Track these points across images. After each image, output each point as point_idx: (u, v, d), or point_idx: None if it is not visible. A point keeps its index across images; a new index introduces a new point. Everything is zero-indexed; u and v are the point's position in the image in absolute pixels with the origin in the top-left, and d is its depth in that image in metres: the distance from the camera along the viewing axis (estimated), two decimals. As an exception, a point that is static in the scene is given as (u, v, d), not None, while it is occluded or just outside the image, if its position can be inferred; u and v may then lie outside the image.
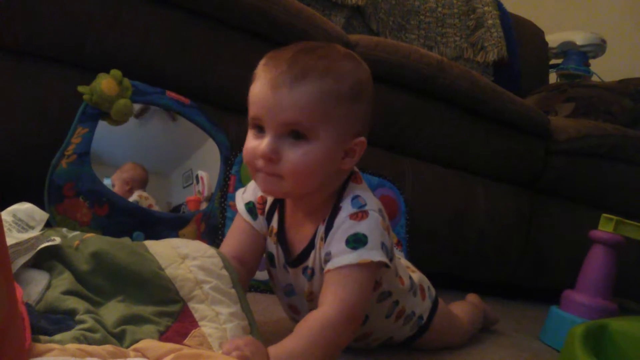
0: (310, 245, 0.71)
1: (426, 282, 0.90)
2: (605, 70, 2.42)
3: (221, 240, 1.07)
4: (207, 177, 1.09)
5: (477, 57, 2.05)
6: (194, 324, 0.60)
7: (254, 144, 0.66)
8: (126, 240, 0.69)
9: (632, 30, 2.68)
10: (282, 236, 0.75)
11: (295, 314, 0.80)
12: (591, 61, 2.44)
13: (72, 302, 0.57)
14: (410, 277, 0.84)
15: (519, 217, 1.62)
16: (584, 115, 1.89)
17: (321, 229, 0.70)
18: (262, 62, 0.68)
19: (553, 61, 2.52)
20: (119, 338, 0.55)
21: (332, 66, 0.65)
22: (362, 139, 0.68)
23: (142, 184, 1.04)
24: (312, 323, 0.64)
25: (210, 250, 0.70)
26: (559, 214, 1.68)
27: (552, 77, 2.52)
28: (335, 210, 0.69)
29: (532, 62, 2.31)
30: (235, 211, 1.09)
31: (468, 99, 1.47)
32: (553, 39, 2.46)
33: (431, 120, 1.46)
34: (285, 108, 0.63)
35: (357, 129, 0.68)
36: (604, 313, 1.10)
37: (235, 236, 0.78)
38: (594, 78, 2.42)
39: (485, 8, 2.10)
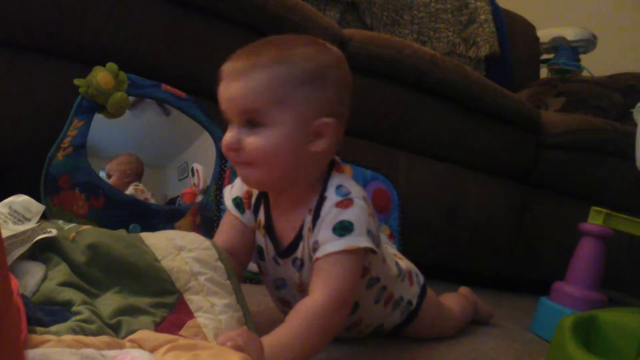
0: (299, 236, 0.72)
1: (414, 269, 0.91)
2: (596, 65, 2.44)
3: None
4: (203, 170, 1.09)
5: (470, 52, 2.06)
6: (189, 315, 0.61)
7: (225, 137, 0.68)
8: (122, 232, 0.70)
9: (622, 25, 2.70)
10: (269, 228, 0.76)
11: (286, 306, 0.80)
12: (582, 56, 2.46)
13: (68, 294, 0.57)
14: (398, 264, 0.85)
15: (511, 210, 1.63)
16: (575, 110, 1.90)
17: (308, 219, 0.71)
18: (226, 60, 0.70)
19: (544, 56, 2.53)
20: (115, 329, 0.55)
21: (285, 53, 0.67)
22: (328, 119, 0.68)
23: (139, 176, 1.04)
24: (302, 311, 0.65)
25: (206, 242, 0.71)
26: (549, 207, 1.70)
27: (543, 72, 2.53)
28: (321, 200, 0.70)
29: (523, 57, 2.32)
30: (230, 204, 1.10)
31: (460, 93, 1.48)
32: (544, 34, 2.47)
33: (424, 114, 1.47)
34: (237, 98, 0.66)
35: (322, 111, 0.68)
36: (593, 304, 1.11)
37: (225, 231, 0.79)
38: (585, 73, 2.43)
39: (478, 3, 2.10)
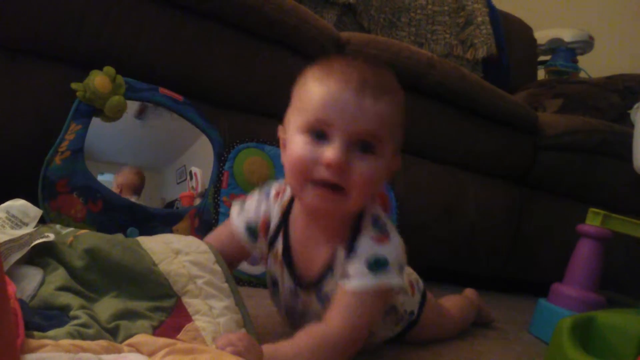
0: (328, 270, 0.68)
1: (414, 276, 0.90)
2: (593, 66, 2.44)
3: (214, 236, 1.07)
4: (201, 173, 1.09)
5: (467, 54, 2.06)
6: (187, 318, 0.61)
7: (310, 150, 0.61)
8: (119, 236, 0.70)
9: (619, 27, 2.71)
10: (288, 259, 0.72)
11: (293, 325, 0.77)
12: (579, 58, 2.46)
13: (66, 298, 0.57)
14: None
15: (509, 212, 1.63)
16: (572, 111, 1.90)
17: (341, 253, 0.67)
18: (323, 67, 0.65)
19: (541, 58, 2.53)
20: (113, 333, 0.55)
21: (399, 90, 0.66)
22: (399, 156, 0.69)
23: (135, 190, 1.03)
24: (314, 335, 0.63)
25: (202, 245, 0.71)
26: (547, 209, 1.70)
27: (541, 74, 2.54)
28: (356, 232, 0.67)
29: (520, 59, 2.33)
30: (228, 207, 1.10)
31: (458, 95, 1.48)
32: (541, 35, 2.48)
33: (421, 116, 1.47)
34: (368, 117, 0.60)
35: (399, 146, 0.68)
36: (592, 305, 1.11)
37: (217, 237, 0.76)
38: (582, 74, 2.44)
39: (475, 5, 2.11)
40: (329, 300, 0.69)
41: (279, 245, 0.72)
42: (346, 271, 0.66)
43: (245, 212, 0.75)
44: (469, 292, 1.17)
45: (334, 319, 0.64)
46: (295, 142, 0.63)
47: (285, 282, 0.73)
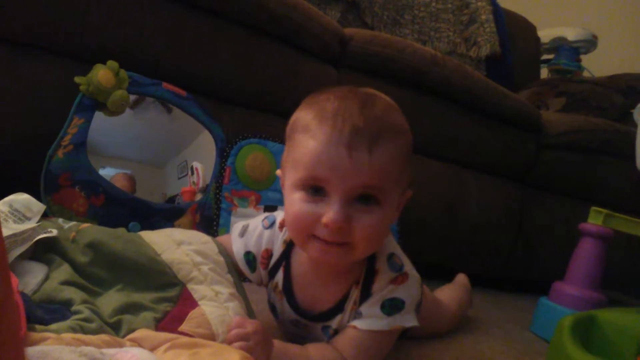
0: (338, 308, 0.66)
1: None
2: (597, 65, 2.44)
3: (216, 231, 1.08)
4: (202, 168, 1.09)
5: (470, 52, 2.06)
6: (193, 304, 0.60)
7: (309, 209, 0.57)
8: (121, 230, 0.70)
9: (623, 26, 2.70)
10: (289, 293, 0.69)
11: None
12: (582, 57, 2.46)
13: (69, 293, 0.57)
14: None
15: (510, 210, 1.63)
16: (575, 110, 1.90)
17: (355, 292, 0.65)
18: (310, 114, 0.59)
19: (545, 56, 2.53)
20: (115, 328, 0.55)
21: (398, 120, 0.60)
22: (410, 192, 0.64)
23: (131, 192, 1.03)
24: (326, 357, 0.62)
25: (205, 237, 0.71)
26: (549, 207, 1.70)
27: (544, 73, 2.54)
28: (372, 273, 0.64)
29: (524, 57, 2.32)
30: (230, 202, 1.10)
31: (461, 93, 1.48)
32: (545, 34, 2.47)
33: (424, 113, 1.46)
34: (363, 172, 0.55)
35: (408, 181, 0.63)
36: (593, 304, 1.11)
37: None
38: (585, 73, 2.43)
39: (479, 3, 2.10)
40: (335, 333, 0.68)
41: (280, 278, 0.70)
42: (359, 311, 0.64)
43: (247, 237, 0.71)
44: (461, 278, 1.16)
45: (346, 352, 0.63)
46: (292, 200, 0.59)
47: (286, 312, 0.71)
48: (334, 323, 0.67)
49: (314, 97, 0.61)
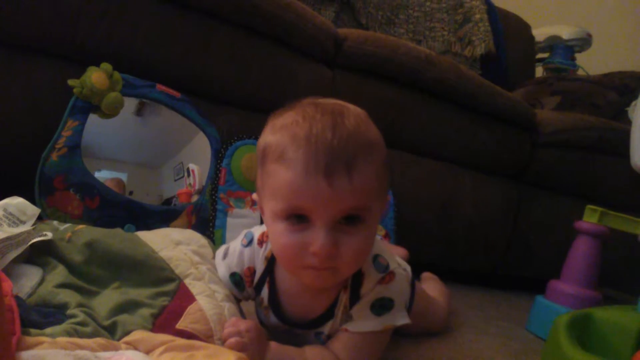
0: (328, 315, 0.66)
1: (403, 265, 0.86)
2: (591, 64, 2.44)
3: (212, 233, 1.08)
4: (198, 170, 1.09)
5: (465, 51, 2.06)
6: (191, 299, 0.60)
7: (296, 239, 0.56)
8: (118, 230, 0.70)
9: (617, 24, 2.71)
10: (276, 306, 0.69)
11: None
12: (577, 55, 2.46)
13: (64, 296, 0.57)
14: None
15: (506, 209, 1.64)
16: (570, 108, 1.91)
17: (344, 297, 0.65)
18: (282, 141, 0.56)
19: (539, 55, 2.53)
20: (110, 331, 0.55)
21: (370, 135, 0.58)
22: (389, 197, 0.64)
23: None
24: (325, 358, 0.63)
25: (202, 239, 0.71)
26: (545, 206, 1.70)
27: (539, 71, 2.54)
28: (358, 276, 0.64)
29: (518, 56, 2.33)
30: (226, 204, 1.10)
31: (456, 92, 1.48)
32: (539, 33, 2.48)
33: (419, 113, 1.47)
34: (346, 197, 0.54)
35: (387, 188, 0.63)
36: (589, 302, 1.12)
37: None
38: (580, 72, 2.44)
39: (473, 2, 2.10)
40: (328, 339, 0.68)
41: (265, 294, 0.69)
42: (349, 314, 0.64)
43: (229, 259, 0.71)
44: (428, 274, 1.16)
45: (343, 355, 0.63)
46: (277, 231, 0.58)
47: (275, 325, 0.70)
48: (326, 329, 0.67)
49: (281, 119, 0.59)
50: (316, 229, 0.55)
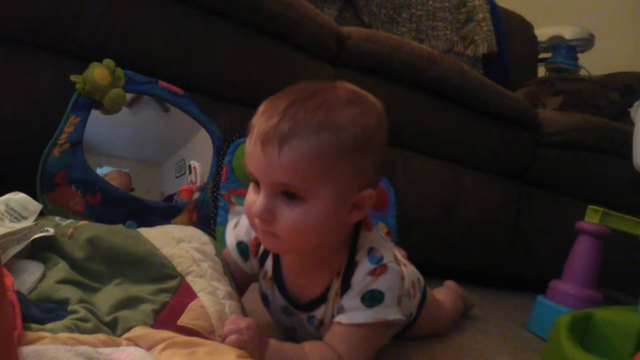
0: (322, 299, 0.67)
1: (416, 275, 0.88)
2: (594, 64, 2.44)
3: (213, 230, 1.08)
4: (200, 167, 1.09)
5: (467, 50, 2.06)
6: (192, 295, 0.60)
7: (252, 198, 0.61)
8: (120, 226, 0.70)
9: (619, 25, 2.71)
10: (279, 281, 0.70)
11: (288, 336, 0.77)
12: (579, 55, 2.46)
13: (65, 292, 0.57)
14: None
15: (507, 208, 1.64)
16: (572, 109, 1.90)
17: (336, 283, 0.66)
18: (259, 111, 0.61)
19: (542, 55, 2.53)
20: (111, 327, 0.55)
21: (329, 117, 0.57)
22: (371, 192, 0.61)
23: (129, 189, 1.04)
24: (324, 355, 0.63)
25: (204, 237, 0.71)
26: (546, 205, 1.70)
27: (541, 71, 2.54)
28: (351, 265, 0.65)
29: (521, 56, 2.33)
30: (227, 201, 1.10)
31: (458, 91, 1.48)
32: (542, 33, 2.48)
33: (421, 112, 1.47)
34: (275, 169, 0.57)
35: (364, 180, 0.61)
36: (590, 303, 1.12)
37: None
38: (582, 72, 2.44)
39: (476, 2, 2.10)
40: (321, 325, 0.69)
41: (269, 266, 0.71)
42: (341, 305, 0.65)
43: (239, 229, 0.73)
44: (450, 283, 1.17)
45: (340, 350, 0.64)
46: (249, 187, 0.63)
47: (277, 300, 0.72)
48: (319, 313, 0.68)
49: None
50: (261, 193, 0.59)
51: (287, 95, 0.60)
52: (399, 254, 0.94)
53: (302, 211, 0.58)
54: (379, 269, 0.64)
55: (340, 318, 0.65)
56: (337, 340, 0.64)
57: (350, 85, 0.65)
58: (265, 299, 0.74)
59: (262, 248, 0.72)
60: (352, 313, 0.64)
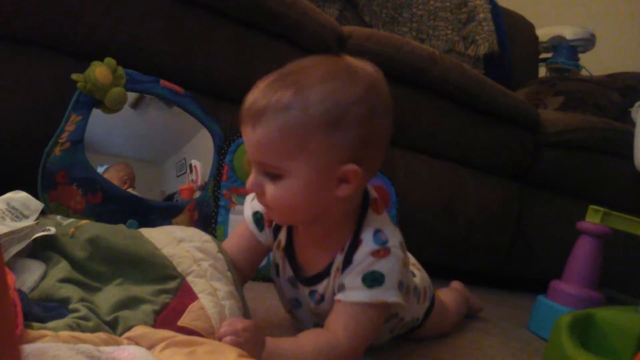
0: (325, 273, 0.69)
1: (427, 282, 0.88)
2: (595, 64, 2.44)
3: (214, 229, 1.08)
4: (201, 166, 1.09)
5: (469, 50, 2.06)
6: (193, 297, 0.60)
7: (248, 179, 0.66)
8: (121, 226, 0.70)
9: (621, 25, 2.70)
10: (290, 252, 0.73)
11: (299, 323, 0.79)
12: (581, 55, 2.46)
13: (67, 290, 0.57)
14: (415, 287, 0.82)
15: (508, 208, 1.64)
16: (573, 109, 1.90)
17: (339, 258, 0.67)
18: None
19: (543, 55, 2.53)
20: (112, 326, 0.55)
21: (299, 95, 0.59)
22: (352, 166, 0.61)
23: (133, 181, 1.04)
24: (320, 341, 0.63)
25: (205, 235, 0.71)
26: (547, 206, 1.70)
27: (542, 71, 2.54)
28: (355, 242, 0.66)
29: (522, 56, 2.33)
30: (228, 200, 1.10)
31: (459, 91, 1.48)
32: (543, 33, 2.47)
33: (422, 112, 1.46)
34: (252, 147, 0.62)
35: (344, 155, 0.61)
36: (590, 303, 1.12)
37: (235, 241, 0.76)
38: (583, 72, 2.43)
39: (477, 2, 2.10)
40: (323, 300, 0.70)
41: (283, 235, 0.74)
42: (342, 282, 0.66)
43: (256, 201, 0.74)
44: (456, 284, 1.17)
45: (338, 330, 0.64)
46: None
47: (287, 271, 0.74)
48: (321, 287, 0.70)
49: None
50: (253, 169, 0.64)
51: (273, 74, 0.63)
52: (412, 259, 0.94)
53: (282, 187, 0.61)
54: (383, 251, 0.65)
55: (340, 295, 0.66)
56: (336, 320, 0.65)
57: (347, 59, 0.65)
58: (276, 269, 0.76)
59: None
60: (352, 291, 0.65)
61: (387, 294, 0.64)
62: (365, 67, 0.65)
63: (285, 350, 0.61)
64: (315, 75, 0.61)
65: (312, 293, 0.71)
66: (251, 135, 0.61)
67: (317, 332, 0.65)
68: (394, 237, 0.67)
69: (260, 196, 0.64)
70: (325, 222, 0.67)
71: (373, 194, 0.71)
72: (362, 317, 0.65)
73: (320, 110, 0.59)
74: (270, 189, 0.62)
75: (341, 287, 0.66)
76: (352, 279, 0.65)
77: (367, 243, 0.66)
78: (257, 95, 0.61)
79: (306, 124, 0.59)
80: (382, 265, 0.64)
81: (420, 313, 0.86)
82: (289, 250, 0.73)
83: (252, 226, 0.75)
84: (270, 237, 0.75)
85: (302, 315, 0.77)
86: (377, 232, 0.67)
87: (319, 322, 0.71)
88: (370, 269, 0.64)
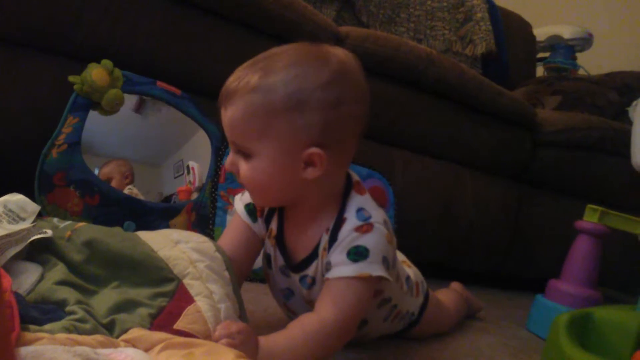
0: (313, 254, 0.71)
1: (420, 277, 0.90)
2: (592, 63, 2.44)
3: (212, 230, 1.08)
4: (198, 167, 1.09)
5: (466, 50, 2.06)
6: (189, 299, 0.60)
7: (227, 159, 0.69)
8: (117, 229, 0.69)
9: (618, 24, 2.71)
10: (280, 240, 0.74)
11: (294, 315, 0.79)
12: (578, 55, 2.46)
13: (63, 293, 0.57)
14: (408, 277, 0.84)
15: (507, 208, 1.64)
16: (571, 108, 1.90)
17: (325, 238, 0.69)
18: None
19: (540, 54, 2.53)
20: (109, 328, 0.55)
21: (262, 79, 0.62)
22: (315, 150, 0.62)
23: (133, 177, 1.04)
24: (307, 325, 0.64)
25: (202, 237, 0.70)
26: (545, 205, 1.70)
27: (540, 71, 2.54)
28: (340, 221, 0.68)
29: (519, 56, 2.33)
30: (225, 201, 1.10)
31: (456, 91, 1.48)
32: (541, 32, 2.48)
33: (420, 112, 1.46)
34: (226, 128, 0.66)
35: (308, 139, 0.62)
36: (589, 302, 1.12)
37: (230, 235, 0.77)
38: (581, 71, 2.44)
39: (474, 1, 2.10)
40: (314, 284, 0.71)
41: (274, 225, 0.75)
42: (329, 260, 0.67)
43: (245, 194, 0.77)
44: (456, 285, 1.17)
45: (324, 309, 0.65)
46: None
47: (278, 261, 0.75)
48: (311, 270, 0.71)
49: None
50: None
51: (250, 60, 0.67)
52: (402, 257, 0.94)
53: (251, 166, 0.65)
54: (366, 226, 0.67)
55: (328, 274, 0.67)
56: (323, 298, 0.67)
57: (324, 47, 0.68)
58: (268, 259, 0.77)
59: (266, 209, 0.76)
60: (338, 268, 0.66)
61: (372, 267, 0.66)
62: (340, 54, 0.67)
63: (278, 345, 0.61)
64: (283, 61, 0.64)
65: (303, 278, 0.73)
66: (224, 116, 0.65)
67: (304, 318, 0.66)
68: (378, 215, 0.69)
69: (237, 175, 0.67)
70: (306, 204, 0.70)
71: (355, 177, 0.73)
72: (348, 292, 0.66)
73: (282, 94, 0.62)
74: (243, 167, 0.65)
75: (328, 266, 0.68)
76: (338, 255, 0.67)
77: (351, 220, 0.68)
78: (231, 79, 0.65)
79: (269, 106, 0.62)
80: (366, 240, 0.66)
81: (415, 308, 0.86)
82: (280, 239, 0.74)
83: (245, 218, 0.76)
84: (263, 228, 0.76)
85: (296, 305, 0.77)
86: (359, 209, 0.69)
87: (312, 310, 0.71)
88: (354, 243, 0.66)
